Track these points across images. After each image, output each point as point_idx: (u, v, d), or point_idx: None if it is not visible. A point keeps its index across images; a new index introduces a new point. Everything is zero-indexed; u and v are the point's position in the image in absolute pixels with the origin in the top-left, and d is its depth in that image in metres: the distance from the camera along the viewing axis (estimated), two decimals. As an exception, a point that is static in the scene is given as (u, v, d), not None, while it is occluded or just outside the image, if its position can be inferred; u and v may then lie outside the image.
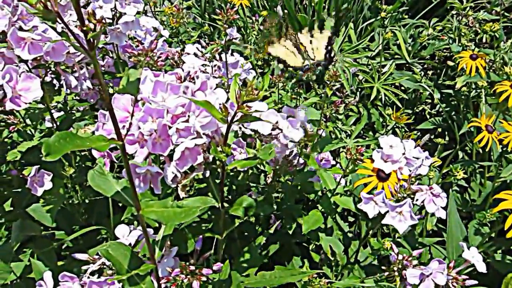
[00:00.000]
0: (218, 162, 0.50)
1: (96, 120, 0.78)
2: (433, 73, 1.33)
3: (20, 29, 0.50)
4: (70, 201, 0.75)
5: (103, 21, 0.29)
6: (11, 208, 0.61)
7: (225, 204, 0.55)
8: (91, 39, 0.31)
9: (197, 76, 0.73)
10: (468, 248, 0.57)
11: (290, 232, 0.71)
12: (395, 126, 1.10)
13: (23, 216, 0.60)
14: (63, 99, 0.71)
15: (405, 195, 0.55)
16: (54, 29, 0.32)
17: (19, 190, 0.57)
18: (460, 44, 1.15)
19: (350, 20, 1.48)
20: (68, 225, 0.72)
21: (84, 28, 0.30)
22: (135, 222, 0.65)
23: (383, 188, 0.67)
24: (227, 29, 0.63)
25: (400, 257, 0.51)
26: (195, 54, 0.84)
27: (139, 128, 0.44)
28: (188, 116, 0.46)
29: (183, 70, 0.81)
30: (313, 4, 1.71)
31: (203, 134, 0.48)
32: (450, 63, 1.14)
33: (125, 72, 0.38)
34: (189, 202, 0.38)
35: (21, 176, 0.53)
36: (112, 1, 0.66)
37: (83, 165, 0.72)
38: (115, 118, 0.38)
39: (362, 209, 0.57)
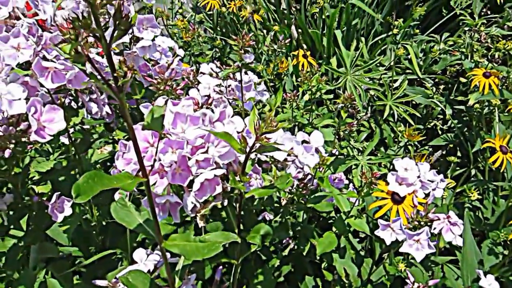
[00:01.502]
0: (236, 191, 0.50)
1: (110, 138, 0.79)
2: (445, 87, 1.33)
3: (44, 58, 0.51)
4: (85, 217, 0.76)
5: (134, 68, 0.30)
6: (29, 229, 0.62)
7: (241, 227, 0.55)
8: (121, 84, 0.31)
9: (215, 104, 0.74)
10: (485, 275, 0.56)
11: (304, 253, 0.71)
12: (407, 143, 1.10)
13: (42, 238, 0.61)
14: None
15: (422, 223, 0.56)
16: (84, 71, 0.33)
17: (39, 213, 0.58)
18: (472, 60, 1.15)
19: (361, 34, 1.49)
20: (84, 243, 0.73)
21: (115, 75, 0.30)
22: (151, 246, 0.65)
23: (398, 212, 0.68)
24: (243, 55, 0.64)
25: (416, 286, 0.51)
26: (210, 74, 0.85)
27: (159, 159, 0.45)
28: (208, 147, 0.46)
29: (198, 90, 0.82)
30: (323, 17, 1.72)
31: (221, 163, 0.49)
32: (462, 79, 1.14)
33: (147, 105, 0.38)
34: (211, 237, 0.38)
35: (40, 200, 0.55)
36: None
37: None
38: (139, 154, 0.39)
39: (379, 235, 0.57)
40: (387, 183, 0.69)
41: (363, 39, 1.45)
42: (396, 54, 1.16)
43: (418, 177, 0.68)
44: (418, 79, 1.34)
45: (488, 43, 1.22)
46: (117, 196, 0.50)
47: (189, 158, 0.45)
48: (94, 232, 0.71)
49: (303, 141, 0.60)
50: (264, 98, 0.78)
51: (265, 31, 1.71)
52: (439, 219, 0.56)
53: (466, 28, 1.19)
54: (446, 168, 1.14)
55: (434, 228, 0.56)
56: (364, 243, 0.99)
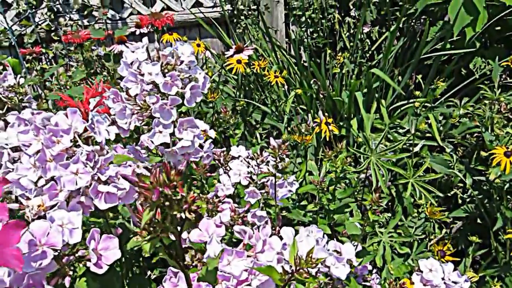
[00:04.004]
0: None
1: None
2: (464, 153, 1.35)
3: (99, 179, 0.56)
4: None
5: (198, 256, 0.34)
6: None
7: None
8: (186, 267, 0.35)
9: (249, 194, 0.77)
10: None
11: None
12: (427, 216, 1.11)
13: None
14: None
15: None
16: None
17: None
18: (493, 134, 1.17)
19: (381, 95, 1.53)
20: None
21: (185, 263, 0.34)
22: None
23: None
24: (278, 162, 0.68)
25: None
26: (239, 156, 0.89)
27: (207, 291, 0.48)
28: (251, 279, 0.49)
29: (229, 176, 0.86)
30: (343, 72, 1.76)
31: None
32: (483, 153, 1.16)
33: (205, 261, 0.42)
34: None
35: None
36: (171, 127, 0.72)
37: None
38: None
39: None
40: (412, 283, 0.72)
41: (383, 101, 1.49)
42: (417, 126, 1.19)
43: (443, 279, 0.71)
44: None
45: (508, 113, 1.24)
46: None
47: (234, 291, 0.49)
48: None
49: (335, 251, 0.63)
50: (294, 188, 0.81)
51: (286, 86, 1.76)
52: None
53: (487, 102, 1.22)
54: (466, 240, 1.15)
55: None
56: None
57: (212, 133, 0.97)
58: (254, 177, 0.83)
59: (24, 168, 0.54)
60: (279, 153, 0.66)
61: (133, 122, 0.74)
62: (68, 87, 1.72)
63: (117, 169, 0.59)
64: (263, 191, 0.78)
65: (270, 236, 0.56)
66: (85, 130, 0.58)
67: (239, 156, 0.90)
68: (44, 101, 1.69)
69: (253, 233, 0.56)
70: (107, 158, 0.57)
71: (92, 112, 0.59)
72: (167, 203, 0.30)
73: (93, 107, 0.69)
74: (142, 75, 0.72)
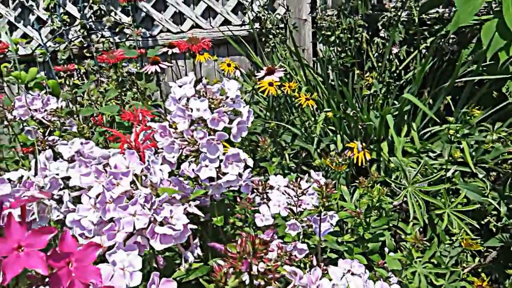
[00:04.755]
0: None
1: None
2: (498, 180, 1.33)
3: (154, 220, 0.57)
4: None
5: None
6: None
7: None
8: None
9: (291, 227, 0.78)
10: None
11: None
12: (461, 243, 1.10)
13: None
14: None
15: None
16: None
17: None
18: (529, 163, 1.16)
19: (412, 118, 1.52)
20: None
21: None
22: None
23: None
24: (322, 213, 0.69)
25: None
26: (278, 186, 0.91)
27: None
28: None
29: (269, 207, 0.87)
30: (371, 92, 1.76)
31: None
32: (519, 183, 1.15)
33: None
34: None
35: None
36: (217, 161, 0.73)
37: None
38: None
39: None
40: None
41: (414, 124, 1.48)
42: (451, 154, 1.18)
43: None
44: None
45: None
46: None
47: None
48: None
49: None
50: (335, 221, 0.82)
51: (315, 106, 1.76)
52: None
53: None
54: (502, 271, 1.14)
55: None
56: None
57: (250, 162, 0.98)
58: (294, 208, 0.84)
59: (84, 209, 0.56)
60: (327, 191, 0.67)
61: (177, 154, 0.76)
62: (99, 103, 1.77)
63: (171, 208, 0.61)
64: (304, 224, 0.79)
65: (321, 278, 0.57)
66: (141, 170, 0.60)
67: (278, 185, 0.92)
68: (76, 116, 1.74)
69: (303, 274, 0.57)
70: (162, 199, 0.59)
71: (147, 152, 0.61)
72: (252, 272, 0.32)
73: (142, 141, 0.71)
74: (190, 110, 0.74)
